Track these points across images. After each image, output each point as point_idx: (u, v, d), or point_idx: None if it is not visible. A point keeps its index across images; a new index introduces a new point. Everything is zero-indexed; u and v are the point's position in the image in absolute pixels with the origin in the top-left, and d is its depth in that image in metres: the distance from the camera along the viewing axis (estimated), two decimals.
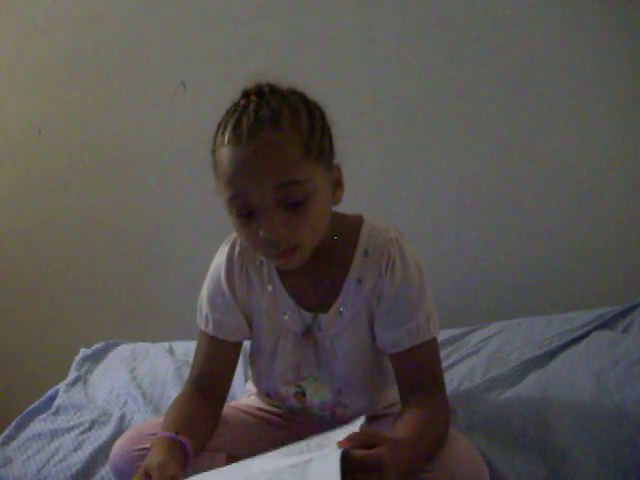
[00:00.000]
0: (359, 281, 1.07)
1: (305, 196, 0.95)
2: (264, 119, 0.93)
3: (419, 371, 1.05)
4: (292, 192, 0.94)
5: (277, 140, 0.93)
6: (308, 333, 1.10)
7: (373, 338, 1.09)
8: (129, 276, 2.15)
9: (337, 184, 1.03)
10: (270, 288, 1.11)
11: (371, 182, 1.87)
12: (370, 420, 1.16)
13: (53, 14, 2.01)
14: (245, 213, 0.96)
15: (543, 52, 1.75)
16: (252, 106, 0.96)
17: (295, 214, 0.95)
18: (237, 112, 0.96)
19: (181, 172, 2.00)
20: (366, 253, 1.07)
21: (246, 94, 0.99)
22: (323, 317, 1.09)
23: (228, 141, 0.95)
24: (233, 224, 1.00)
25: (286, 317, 1.11)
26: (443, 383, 1.07)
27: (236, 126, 0.94)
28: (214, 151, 0.99)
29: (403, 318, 1.05)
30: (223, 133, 0.97)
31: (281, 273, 1.11)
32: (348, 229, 1.09)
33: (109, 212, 2.11)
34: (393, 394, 1.12)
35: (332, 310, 1.08)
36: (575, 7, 1.71)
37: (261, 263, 1.11)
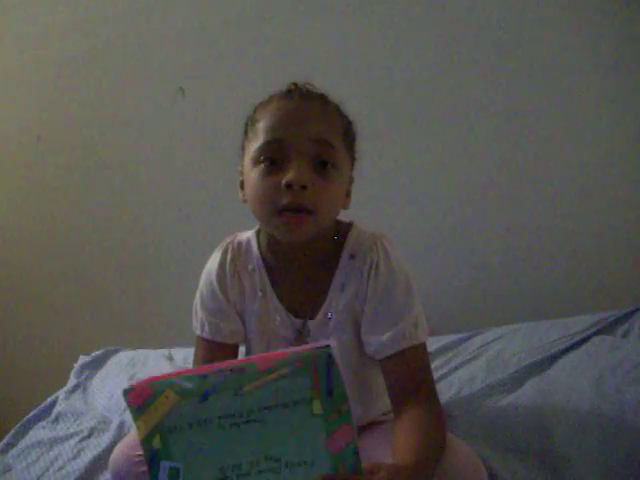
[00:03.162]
0: (343, 286, 1.07)
1: (334, 162, 0.99)
2: (315, 93, 1.03)
3: (408, 377, 1.04)
4: (326, 151, 0.99)
5: (325, 106, 1.02)
6: (299, 339, 1.09)
7: (360, 343, 1.09)
8: (128, 283, 2.14)
9: (347, 192, 1.07)
10: (261, 294, 1.11)
11: (370, 186, 1.85)
12: (367, 427, 1.16)
13: (51, 20, 2.01)
14: (274, 160, 0.98)
15: (542, 53, 1.74)
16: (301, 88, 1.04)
17: (321, 177, 0.98)
18: (285, 89, 1.04)
19: (180, 179, 2.00)
20: (351, 258, 1.07)
21: (293, 84, 1.05)
22: (311, 323, 1.09)
23: (279, 98, 1.01)
24: (254, 176, 1.00)
25: (277, 323, 1.10)
26: (434, 388, 1.06)
27: (288, 91, 1.03)
28: (251, 117, 1.04)
29: (389, 323, 1.04)
30: (270, 99, 1.03)
31: (272, 279, 1.11)
32: (338, 233, 1.09)
33: (108, 219, 2.11)
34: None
35: (319, 315, 1.08)
36: (575, 9, 1.71)
37: (253, 269, 1.12)
